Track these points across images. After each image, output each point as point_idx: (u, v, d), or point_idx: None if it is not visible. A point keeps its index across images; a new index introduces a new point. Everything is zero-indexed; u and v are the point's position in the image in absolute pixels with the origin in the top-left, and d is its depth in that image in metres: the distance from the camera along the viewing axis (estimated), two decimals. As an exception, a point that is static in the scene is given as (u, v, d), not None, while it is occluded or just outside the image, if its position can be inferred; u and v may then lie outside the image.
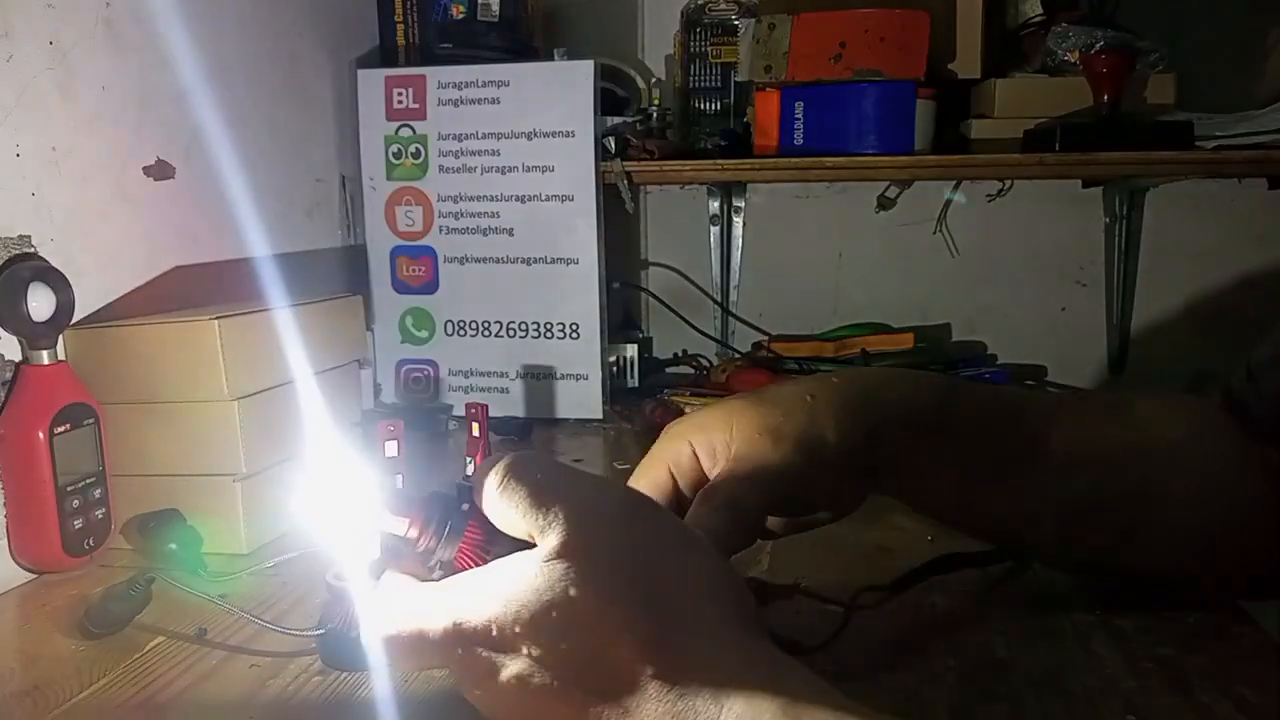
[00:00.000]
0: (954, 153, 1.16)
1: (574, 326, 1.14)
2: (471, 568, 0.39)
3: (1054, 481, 0.52)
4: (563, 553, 0.35)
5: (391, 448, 0.64)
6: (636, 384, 1.25)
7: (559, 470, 0.39)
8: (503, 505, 0.38)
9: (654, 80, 1.38)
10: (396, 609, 0.38)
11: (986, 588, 0.58)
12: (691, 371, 1.33)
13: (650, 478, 0.50)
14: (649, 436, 0.54)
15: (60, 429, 0.63)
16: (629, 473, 0.52)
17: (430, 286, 1.18)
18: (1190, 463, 0.52)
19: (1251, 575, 0.52)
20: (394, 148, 1.16)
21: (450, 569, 0.39)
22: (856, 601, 0.50)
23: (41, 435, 0.62)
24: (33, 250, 0.67)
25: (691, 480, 0.50)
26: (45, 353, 0.65)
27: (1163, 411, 0.55)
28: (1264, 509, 0.50)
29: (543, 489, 0.37)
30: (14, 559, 0.65)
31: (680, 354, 1.40)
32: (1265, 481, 0.50)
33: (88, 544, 0.66)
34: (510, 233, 1.14)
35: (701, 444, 0.50)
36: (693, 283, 1.41)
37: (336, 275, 1.15)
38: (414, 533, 0.39)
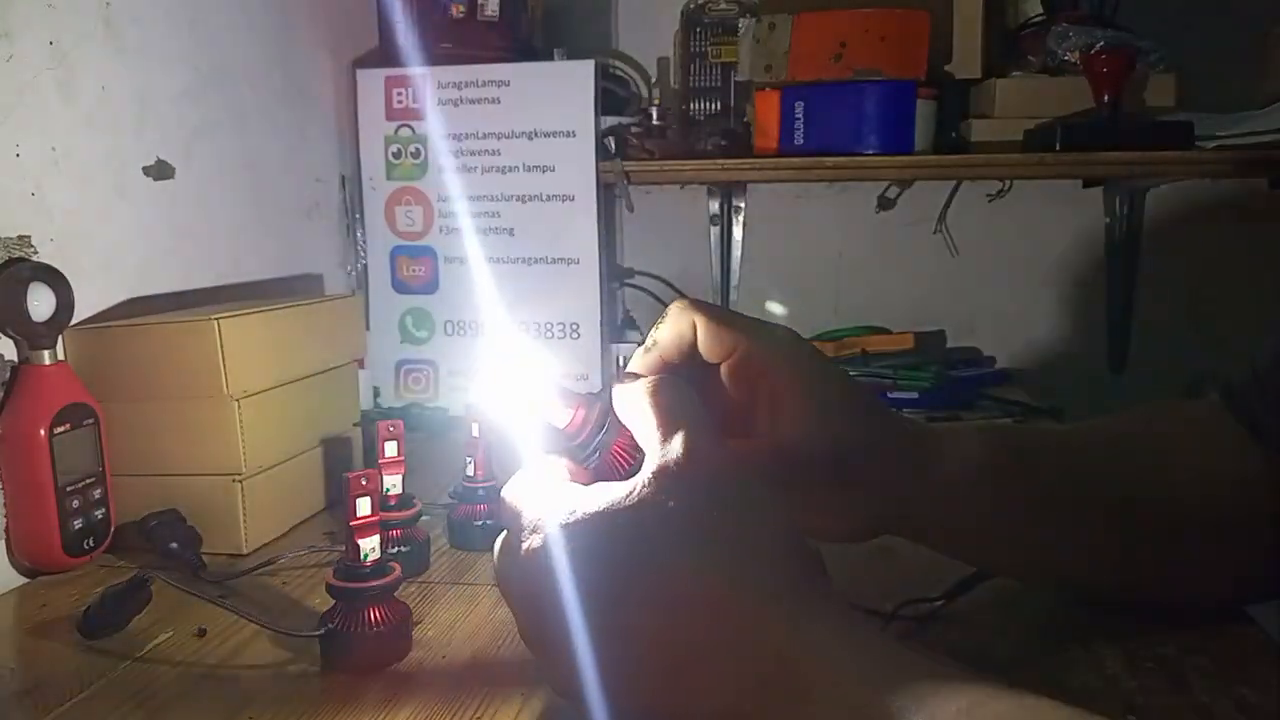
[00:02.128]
0: (954, 153, 1.16)
1: (574, 326, 1.14)
2: (621, 465, 0.41)
3: (1086, 532, 0.51)
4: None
5: (391, 448, 0.64)
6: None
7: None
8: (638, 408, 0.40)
9: (654, 80, 1.38)
10: (533, 485, 0.40)
11: (986, 588, 0.57)
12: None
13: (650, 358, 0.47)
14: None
15: (60, 429, 0.63)
16: None
17: (430, 286, 1.18)
18: (1204, 476, 0.51)
19: (1255, 577, 0.51)
20: (394, 147, 1.16)
21: (603, 464, 0.42)
22: (900, 611, 0.50)
23: (41, 435, 0.62)
24: (33, 250, 0.67)
25: (680, 349, 0.46)
26: (45, 353, 0.65)
27: (1177, 438, 0.54)
28: (1268, 511, 0.50)
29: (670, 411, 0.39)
30: (14, 559, 0.65)
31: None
32: (1269, 483, 0.50)
33: (87, 544, 0.66)
34: (510, 233, 1.14)
35: (713, 323, 0.46)
36: (679, 292, 1.40)
37: (336, 275, 1.15)
38: (576, 424, 0.42)
